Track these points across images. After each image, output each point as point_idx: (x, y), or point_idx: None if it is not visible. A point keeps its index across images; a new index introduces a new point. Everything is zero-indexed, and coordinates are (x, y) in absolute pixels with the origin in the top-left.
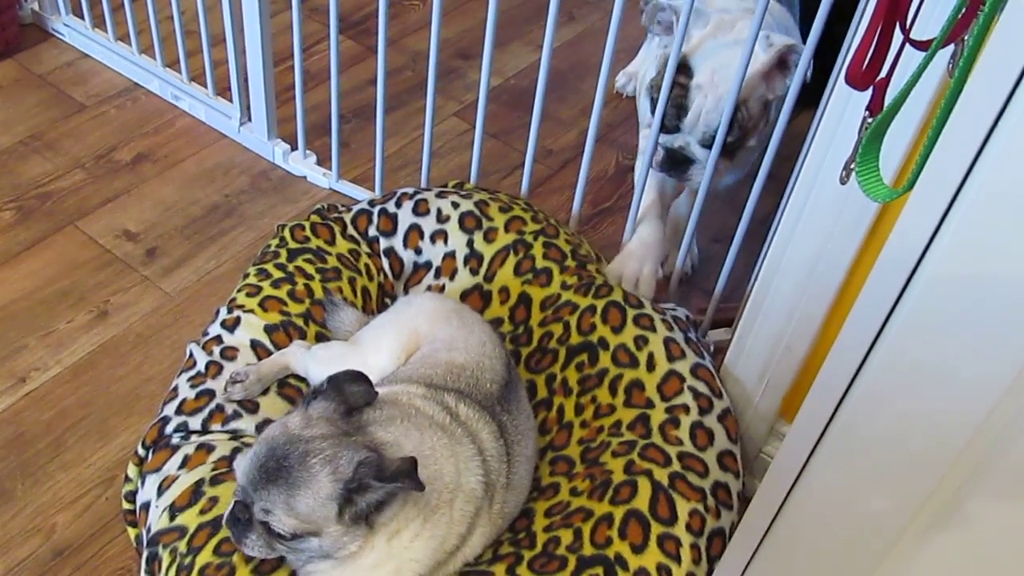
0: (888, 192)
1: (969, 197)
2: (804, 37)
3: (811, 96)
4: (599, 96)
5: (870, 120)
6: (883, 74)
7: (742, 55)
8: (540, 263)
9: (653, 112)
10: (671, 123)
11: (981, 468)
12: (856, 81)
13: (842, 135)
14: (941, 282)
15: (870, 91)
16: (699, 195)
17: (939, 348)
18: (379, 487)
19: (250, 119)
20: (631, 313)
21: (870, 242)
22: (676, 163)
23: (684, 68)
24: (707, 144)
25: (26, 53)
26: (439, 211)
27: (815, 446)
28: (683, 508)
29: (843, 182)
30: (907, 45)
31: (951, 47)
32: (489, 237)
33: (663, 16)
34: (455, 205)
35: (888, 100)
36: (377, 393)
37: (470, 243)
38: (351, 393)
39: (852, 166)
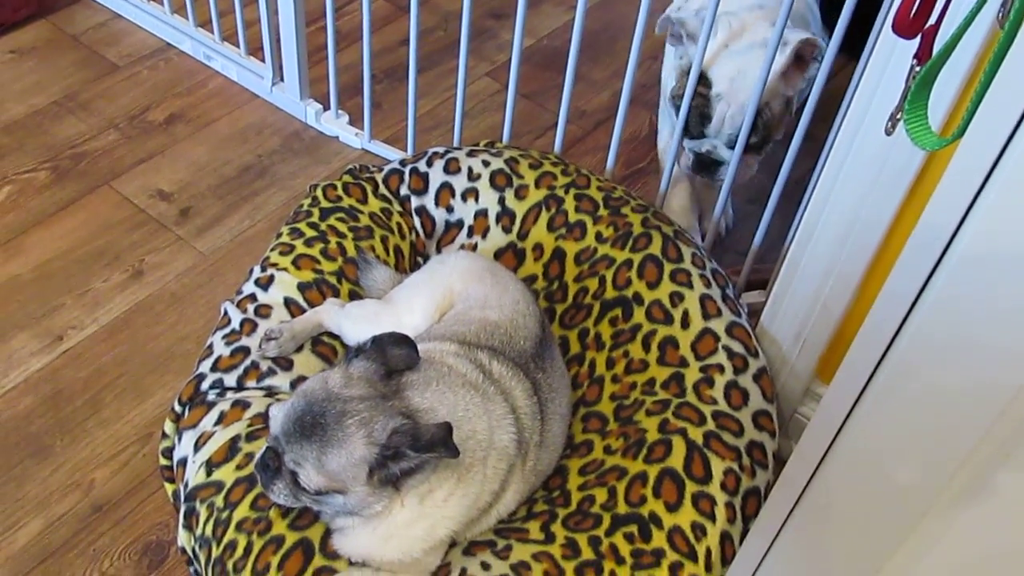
0: (937, 140)
1: (1020, 147)
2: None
3: (851, 48)
4: (633, 57)
5: (918, 68)
6: (931, 22)
7: (761, 63)
8: (573, 216)
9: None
10: (696, 130)
11: (1010, 442)
12: (903, 29)
13: (887, 85)
14: (989, 235)
15: (917, 39)
16: (731, 163)
17: (977, 316)
18: (414, 456)
19: (282, 79)
20: (668, 268)
21: (911, 199)
22: (705, 166)
23: (703, 79)
24: (733, 145)
25: (59, 14)
26: (470, 169)
27: (852, 408)
28: (718, 467)
29: (889, 133)
30: None
31: None
32: (520, 194)
33: (675, 30)
34: (486, 163)
35: (936, 48)
36: (419, 358)
37: (501, 201)
38: (393, 355)
39: (899, 116)
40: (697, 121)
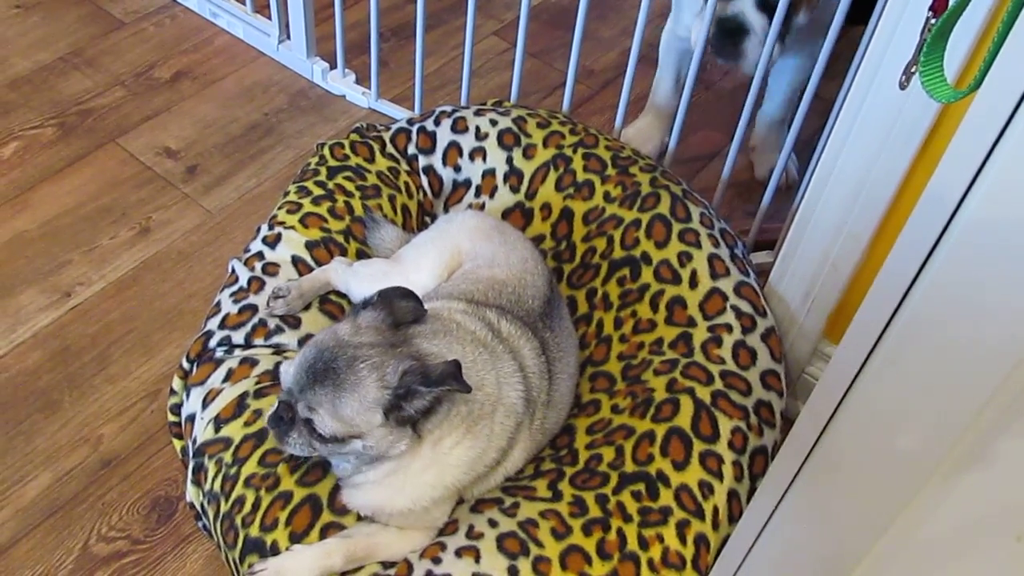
0: (953, 93)
1: None
2: None
3: (860, 13)
4: (642, 15)
5: (933, 20)
6: None
7: None
8: (581, 176)
9: None
10: None
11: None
12: None
13: (900, 39)
14: (1005, 187)
15: None
16: (755, 79)
17: (989, 275)
18: (426, 392)
19: (289, 37)
20: (676, 228)
21: (923, 155)
22: (730, 34)
23: None
24: (761, 6)
25: None
26: (477, 128)
27: (862, 366)
28: (725, 426)
29: (903, 86)
30: None
31: None
32: (528, 154)
33: None
34: (493, 123)
35: None
36: (426, 311)
37: (509, 160)
38: (400, 308)
39: (914, 69)
40: None
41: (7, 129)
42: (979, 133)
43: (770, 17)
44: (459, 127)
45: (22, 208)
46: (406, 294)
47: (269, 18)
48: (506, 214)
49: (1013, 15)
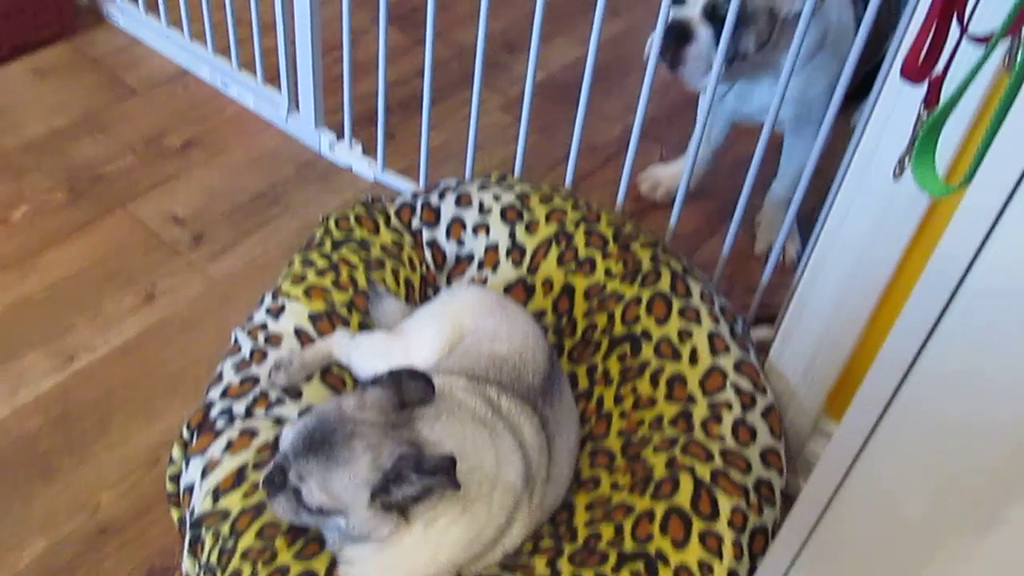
0: (944, 187)
1: None
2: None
3: (858, 91)
4: (644, 92)
5: (926, 114)
6: (939, 67)
7: None
8: (583, 252)
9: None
10: None
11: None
12: (912, 75)
13: (894, 129)
14: (998, 276)
15: (925, 84)
16: (763, 133)
17: (989, 353)
18: (416, 480)
19: (298, 108)
20: (677, 305)
21: (920, 237)
22: (675, 38)
23: None
24: (709, 15)
25: (81, 37)
26: (481, 203)
27: (863, 446)
28: (725, 504)
29: (896, 177)
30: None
31: (1007, 40)
32: (531, 229)
33: None
34: (497, 197)
35: (944, 93)
36: (434, 394)
37: (512, 235)
38: (409, 388)
39: (907, 161)
40: None
41: (18, 193)
42: (971, 227)
43: (717, 29)
44: (463, 201)
45: (30, 271)
46: (416, 375)
47: (279, 89)
48: (508, 288)
49: (1003, 110)
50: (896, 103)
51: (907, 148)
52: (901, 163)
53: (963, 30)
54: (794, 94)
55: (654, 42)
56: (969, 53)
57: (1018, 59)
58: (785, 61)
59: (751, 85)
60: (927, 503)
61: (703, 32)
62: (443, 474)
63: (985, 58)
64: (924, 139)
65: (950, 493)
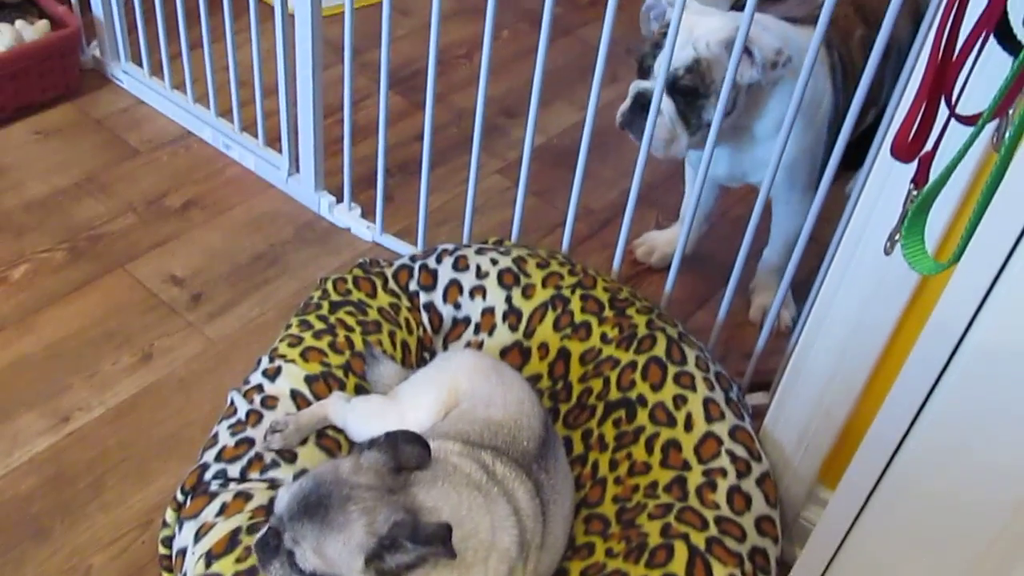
0: (934, 265)
1: (1015, 271)
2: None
3: (852, 159)
4: (641, 157)
5: (915, 193)
6: (928, 146)
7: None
8: (579, 317)
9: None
10: (647, 63)
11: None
12: (901, 153)
13: (884, 205)
14: (986, 356)
15: (915, 163)
16: (758, 201)
17: (978, 430)
18: (411, 549)
19: (298, 170)
20: (672, 371)
21: (912, 308)
22: (639, 108)
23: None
24: (671, 89)
25: (85, 97)
26: (478, 267)
27: (856, 517)
28: (720, 573)
29: (887, 253)
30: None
31: (995, 121)
32: (527, 293)
33: (656, 12)
34: (494, 262)
35: (933, 172)
36: (431, 458)
37: (508, 299)
38: (404, 452)
39: (897, 238)
40: (651, 53)
41: (19, 252)
42: (959, 304)
43: (679, 103)
44: (460, 265)
45: (27, 331)
46: (413, 439)
47: (280, 151)
48: (504, 352)
49: (991, 188)
50: (887, 179)
51: (897, 225)
52: (891, 239)
53: (951, 111)
54: (772, 159)
55: (620, 113)
56: (958, 132)
57: (1006, 139)
58: (759, 126)
59: (728, 150)
60: (920, 574)
61: (666, 106)
62: (439, 543)
63: (973, 139)
64: (913, 218)
65: (943, 565)
